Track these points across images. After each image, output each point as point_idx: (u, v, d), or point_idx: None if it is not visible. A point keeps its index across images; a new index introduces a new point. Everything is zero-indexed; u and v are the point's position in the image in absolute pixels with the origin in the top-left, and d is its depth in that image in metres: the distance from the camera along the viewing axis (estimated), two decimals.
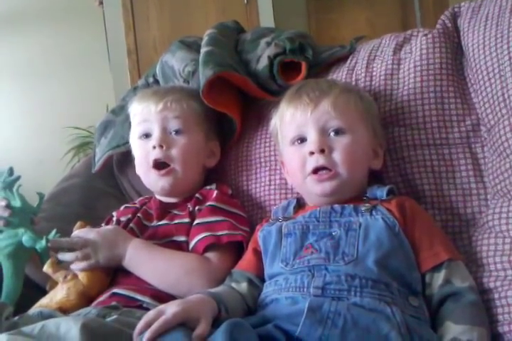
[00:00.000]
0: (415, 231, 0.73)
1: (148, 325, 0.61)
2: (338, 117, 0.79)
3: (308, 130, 0.80)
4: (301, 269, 0.71)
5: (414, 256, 0.71)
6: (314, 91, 0.82)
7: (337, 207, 0.77)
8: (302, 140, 0.81)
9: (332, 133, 0.79)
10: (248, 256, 0.82)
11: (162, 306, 0.65)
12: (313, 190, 0.80)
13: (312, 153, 0.78)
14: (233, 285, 0.78)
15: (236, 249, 0.86)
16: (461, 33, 0.94)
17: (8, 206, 0.81)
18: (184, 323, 0.62)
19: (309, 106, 0.80)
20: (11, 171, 0.82)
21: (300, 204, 0.87)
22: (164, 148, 0.92)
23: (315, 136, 0.79)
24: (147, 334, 0.59)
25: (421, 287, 0.70)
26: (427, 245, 0.72)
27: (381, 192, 0.79)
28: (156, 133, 0.93)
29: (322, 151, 0.78)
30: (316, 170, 0.78)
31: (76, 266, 0.82)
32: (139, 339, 0.60)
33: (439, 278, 0.70)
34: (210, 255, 0.83)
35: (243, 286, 0.78)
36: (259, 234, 0.82)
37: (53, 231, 0.80)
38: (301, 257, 0.72)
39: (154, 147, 0.92)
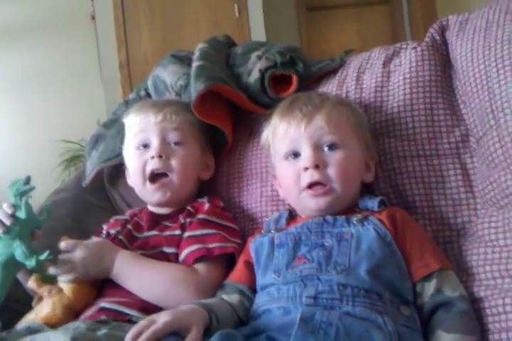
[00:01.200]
0: (406, 242, 0.74)
1: (139, 334, 0.61)
2: (331, 132, 0.80)
3: (302, 145, 0.80)
4: (293, 279, 0.70)
5: (405, 266, 0.71)
6: (307, 105, 0.83)
7: (329, 218, 0.78)
8: (296, 155, 0.81)
9: (326, 149, 0.80)
10: (240, 267, 0.82)
11: (154, 316, 0.65)
12: (308, 205, 0.80)
13: (307, 168, 0.79)
14: (224, 296, 0.78)
15: (227, 262, 0.86)
16: (450, 46, 0.95)
17: (13, 215, 0.80)
18: (175, 332, 0.62)
19: (302, 122, 0.81)
20: (27, 180, 0.81)
21: (292, 215, 0.87)
22: (163, 158, 0.92)
23: (309, 152, 0.79)
24: None
25: (412, 297, 0.70)
26: (418, 255, 0.73)
27: (372, 203, 0.80)
28: (155, 144, 0.94)
29: (317, 167, 0.78)
30: (310, 186, 0.79)
31: (64, 278, 0.81)
32: None
33: (430, 287, 0.70)
34: (199, 266, 0.83)
35: (234, 298, 0.77)
36: (251, 246, 0.82)
37: (46, 253, 0.78)
38: (294, 267, 0.72)
39: (153, 157, 0.92)
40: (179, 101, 1.05)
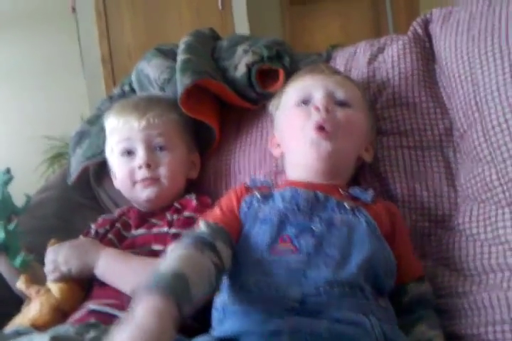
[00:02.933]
0: (401, 241, 0.74)
1: None
2: (347, 90, 0.82)
3: (315, 91, 0.82)
4: (276, 271, 0.65)
5: (394, 263, 0.71)
6: (330, 68, 0.89)
7: (320, 195, 0.73)
8: (306, 102, 0.82)
9: (338, 103, 0.81)
10: (218, 212, 0.74)
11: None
12: (309, 151, 0.77)
13: (317, 108, 0.78)
14: (202, 253, 0.62)
15: None
16: (433, 39, 0.96)
17: None
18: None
19: (323, 74, 0.85)
20: (7, 171, 0.84)
21: (278, 179, 0.86)
22: (152, 166, 0.91)
23: (321, 96, 0.80)
24: None
25: (390, 290, 0.70)
26: (412, 256, 0.75)
27: (365, 195, 0.77)
28: (140, 152, 0.92)
29: (327, 111, 0.78)
30: (319, 127, 0.77)
31: (49, 278, 0.81)
32: None
33: (422, 288, 0.73)
34: None
35: (217, 243, 0.65)
36: (240, 215, 0.74)
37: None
38: (278, 253, 0.67)
39: (140, 166, 0.91)
40: (162, 99, 1.02)
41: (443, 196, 0.84)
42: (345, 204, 0.72)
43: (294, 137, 0.81)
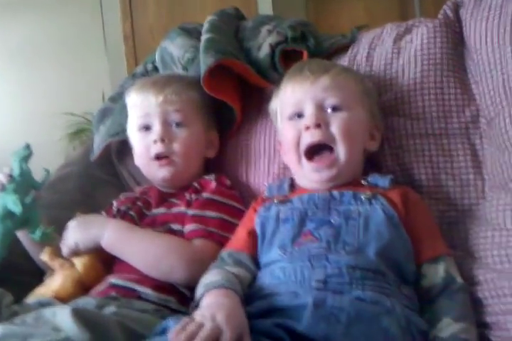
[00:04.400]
0: (416, 222, 0.74)
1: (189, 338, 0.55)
2: (336, 94, 0.80)
3: (306, 105, 0.80)
4: (300, 258, 0.70)
5: (411, 248, 0.72)
6: (315, 66, 0.83)
7: (336, 193, 0.76)
8: (300, 115, 0.81)
9: (329, 110, 0.79)
10: (241, 235, 0.80)
11: (213, 325, 0.57)
12: (310, 177, 0.80)
13: (308, 127, 0.78)
14: (228, 268, 0.74)
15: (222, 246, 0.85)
16: (463, 24, 0.93)
17: (11, 175, 0.84)
18: None
19: (309, 80, 0.81)
20: (26, 146, 0.86)
21: (294, 183, 0.86)
22: (166, 141, 0.92)
23: (311, 111, 0.79)
24: None
25: (413, 277, 0.71)
26: (427, 237, 0.73)
27: (383, 181, 0.79)
28: (156, 127, 0.93)
29: (318, 126, 0.77)
30: (310, 151, 0.78)
31: (63, 253, 0.84)
32: None
33: (439, 270, 0.71)
34: (196, 241, 0.84)
35: (238, 269, 0.75)
36: (256, 220, 0.80)
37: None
38: (300, 244, 0.71)
39: (155, 141, 0.92)
40: (182, 77, 1.03)
41: (469, 185, 0.83)
42: (362, 196, 0.75)
43: (291, 155, 0.81)
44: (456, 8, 0.96)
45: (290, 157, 0.83)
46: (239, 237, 0.81)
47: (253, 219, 0.81)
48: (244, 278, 0.73)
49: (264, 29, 1.05)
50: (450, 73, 0.89)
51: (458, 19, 0.95)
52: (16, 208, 0.81)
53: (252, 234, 0.79)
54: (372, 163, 0.88)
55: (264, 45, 1.02)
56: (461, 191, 0.83)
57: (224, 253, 0.79)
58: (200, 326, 0.56)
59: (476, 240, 0.77)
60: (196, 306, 0.66)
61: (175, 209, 0.91)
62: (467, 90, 0.89)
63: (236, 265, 0.75)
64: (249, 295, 0.70)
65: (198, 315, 0.60)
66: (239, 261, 0.76)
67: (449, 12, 0.96)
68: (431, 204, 0.83)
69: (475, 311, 0.69)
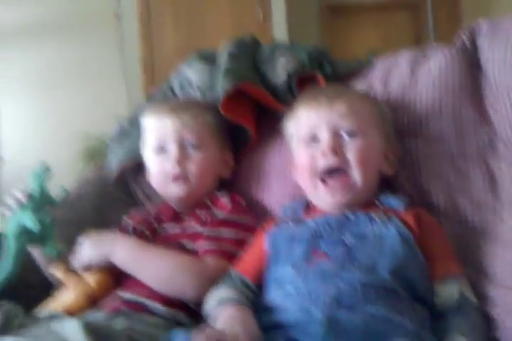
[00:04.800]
0: (430, 243, 0.74)
1: None
2: (351, 119, 0.80)
3: (321, 130, 0.80)
4: (312, 276, 0.69)
5: (426, 267, 0.71)
6: (330, 92, 0.84)
7: (350, 215, 0.77)
8: (314, 140, 0.81)
9: (345, 135, 0.80)
10: (248, 259, 0.81)
11: (232, 334, 0.60)
12: (326, 200, 0.80)
13: (324, 153, 0.78)
14: (238, 287, 0.77)
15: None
16: (480, 51, 0.94)
17: (28, 193, 0.86)
18: None
19: (324, 106, 0.81)
20: (44, 165, 0.89)
21: (309, 205, 0.86)
22: (182, 163, 0.94)
23: (327, 137, 0.79)
24: None
25: (427, 297, 0.70)
26: (441, 257, 0.73)
27: (397, 203, 0.79)
28: (173, 150, 0.95)
29: (334, 152, 0.78)
30: (326, 174, 0.78)
31: (75, 268, 0.85)
32: None
33: (453, 290, 0.70)
34: (208, 258, 0.84)
35: (246, 290, 0.76)
36: (266, 237, 0.80)
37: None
38: (313, 263, 0.71)
39: (172, 163, 0.94)
40: (198, 102, 1.06)
41: (487, 207, 0.83)
42: (376, 218, 0.75)
43: (306, 178, 0.82)
44: (473, 35, 0.97)
45: (304, 180, 0.83)
46: (246, 261, 0.81)
47: (261, 241, 0.81)
48: (251, 298, 0.75)
49: (281, 56, 1.07)
50: (467, 99, 0.90)
51: (474, 46, 0.96)
52: (34, 226, 0.82)
53: (257, 257, 0.80)
54: (388, 183, 0.88)
55: (280, 71, 1.04)
56: (478, 213, 0.83)
57: (233, 272, 0.80)
58: (221, 335, 0.58)
59: (492, 261, 0.76)
60: (206, 318, 0.68)
61: (187, 226, 0.91)
62: (484, 115, 0.89)
63: (243, 286, 0.77)
64: (259, 310, 0.70)
65: (218, 326, 0.62)
66: (245, 284, 0.78)
67: (465, 39, 0.97)
68: (447, 226, 0.83)
69: (486, 327, 0.69)
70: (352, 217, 0.77)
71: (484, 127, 0.88)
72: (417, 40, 3.22)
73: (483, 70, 0.93)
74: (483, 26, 0.95)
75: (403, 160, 0.89)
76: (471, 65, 0.94)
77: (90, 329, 0.61)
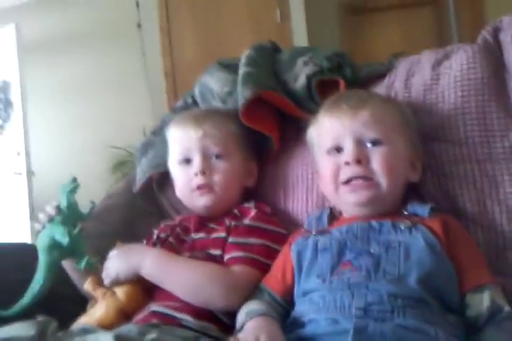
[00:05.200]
0: (459, 251, 0.72)
1: None
2: (376, 128, 0.79)
3: (345, 140, 0.80)
4: (340, 287, 0.69)
5: (455, 276, 0.70)
6: (353, 99, 0.83)
7: (375, 223, 0.76)
8: (338, 150, 0.81)
9: (369, 144, 0.79)
10: (276, 274, 0.81)
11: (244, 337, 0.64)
12: (348, 200, 0.79)
13: (348, 163, 0.78)
14: (268, 301, 0.77)
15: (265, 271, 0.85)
16: (503, 48, 0.92)
17: (58, 207, 0.88)
18: None
19: (347, 115, 0.80)
20: (73, 179, 0.90)
21: (334, 214, 0.85)
22: (207, 173, 0.94)
23: (352, 147, 0.78)
24: None
25: (459, 306, 0.69)
26: (471, 266, 0.71)
27: (423, 209, 0.78)
28: (197, 160, 0.95)
29: (358, 162, 0.77)
30: (349, 180, 0.78)
31: (105, 282, 0.86)
32: None
33: (485, 299, 0.68)
34: (236, 268, 0.83)
35: (276, 305, 0.77)
36: (292, 248, 0.80)
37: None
38: (340, 274, 0.71)
39: (196, 174, 0.94)
40: (221, 111, 1.06)
41: None
42: (401, 226, 0.74)
43: (329, 187, 0.81)
44: (496, 33, 0.95)
45: (328, 187, 0.83)
46: (274, 276, 0.81)
47: (289, 254, 0.81)
48: (279, 312, 0.75)
49: (300, 60, 1.07)
50: (492, 97, 0.88)
51: (498, 43, 0.94)
52: (64, 239, 0.84)
53: (285, 272, 0.80)
54: (414, 189, 0.86)
55: (300, 76, 1.04)
56: (507, 217, 0.81)
57: (262, 286, 0.80)
58: None
59: None
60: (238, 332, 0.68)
61: (214, 235, 0.91)
62: (510, 114, 0.87)
63: (272, 301, 0.78)
64: (288, 323, 0.71)
65: (242, 335, 0.63)
66: (275, 299, 0.78)
67: (488, 36, 0.95)
68: (476, 231, 0.81)
69: None
70: (376, 225, 0.76)
71: (510, 127, 0.86)
72: (440, 39, 3.16)
73: (507, 67, 0.91)
74: (506, 21, 0.94)
75: (428, 164, 0.87)
76: (495, 62, 0.92)
77: None
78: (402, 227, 0.74)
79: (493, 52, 0.93)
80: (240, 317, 0.73)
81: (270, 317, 0.70)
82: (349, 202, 0.79)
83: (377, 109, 0.81)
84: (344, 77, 1.01)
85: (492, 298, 0.68)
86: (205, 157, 0.95)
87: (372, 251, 0.72)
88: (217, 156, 0.96)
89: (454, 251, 0.72)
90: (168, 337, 0.70)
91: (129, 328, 0.74)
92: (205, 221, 0.96)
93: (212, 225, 0.94)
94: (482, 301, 0.68)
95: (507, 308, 0.68)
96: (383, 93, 0.99)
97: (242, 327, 0.69)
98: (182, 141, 0.98)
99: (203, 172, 0.94)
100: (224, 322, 0.80)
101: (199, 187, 0.94)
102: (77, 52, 3.21)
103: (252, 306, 0.75)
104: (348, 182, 0.78)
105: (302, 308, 0.72)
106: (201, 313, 0.79)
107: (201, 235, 0.93)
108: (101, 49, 3.20)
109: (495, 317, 0.67)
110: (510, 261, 0.78)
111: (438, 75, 0.95)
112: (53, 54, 3.25)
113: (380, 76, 1.05)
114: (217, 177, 0.94)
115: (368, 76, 1.05)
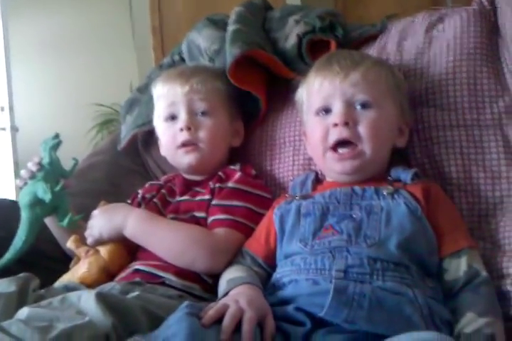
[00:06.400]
0: (438, 216, 0.73)
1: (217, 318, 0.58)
2: (366, 90, 0.78)
3: (334, 101, 0.78)
4: (321, 250, 0.70)
5: (435, 241, 0.71)
6: (346, 60, 0.81)
7: (358, 189, 0.76)
8: (327, 111, 0.80)
9: (358, 107, 0.78)
10: (259, 237, 0.81)
11: (236, 306, 0.60)
12: (333, 168, 0.79)
13: (336, 124, 0.77)
14: (249, 266, 0.78)
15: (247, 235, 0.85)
16: (499, 12, 0.91)
17: (40, 163, 0.87)
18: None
19: (338, 76, 0.79)
20: (56, 136, 0.89)
21: (318, 178, 0.86)
22: (192, 130, 0.93)
23: (340, 108, 0.77)
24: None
25: (437, 270, 0.70)
26: (449, 230, 0.72)
27: (406, 175, 0.78)
28: (182, 116, 0.94)
29: (346, 124, 0.76)
30: (337, 145, 0.77)
31: (87, 241, 0.86)
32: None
33: (461, 263, 0.69)
34: (219, 230, 0.84)
35: (257, 269, 0.78)
36: (275, 212, 0.81)
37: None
38: (321, 238, 0.71)
39: (181, 129, 0.93)
40: (208, 68, 1.04)
41: (501, 177, 0.81)
42: (384, 191, 0.74)
43: (317, 149, 0.81)
44: None
45: (315, 150, 0.82)
46: (257, 239, 0.81)
47: (272, 219, 0.81)
48: (262, 276, 0.76)
49: (292, 19, 1.04)
50: (483, 63, 0.87)
51: (493, 7, 0.92)
52: (46, 196, 0.83)
53: (268, 235, 0.80)
54: (400, 155, 0.86)
55: (291, 35, 1.01)
56: (492, 183, 0.81)
57: (245, 249, 0.81)
58: (225, 306, 0.59)
59: (506, 233, 0.76)
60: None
61: (199, 198, 0.91)
62: (501, 80, 0.86)
63: (254, 265, 0.78)
64: (269, 285, 0.72)
65: (222, 300, 0.63)
66: (257, 263, 0.79)
67: (483, 0, 0.93)
68: (460, 196, 0.82)
69: (502, 304, 0.68)
70: (359, 190, 0.76)
71: (500, 93, 0.85)
72: (435, 3, 3.10)
73: (500, 32, 0.89)
74: None
75: (416, 129, 0.87)
76: (489, 26, 0.91)
77: (104, 300, 0.62)
78: (385, 193, 0.74)
79: (488, 16, 0.91)
80: (222, 285, 0.74)
81: (252, 285, 0.70)
82: (334, 170, 0.79)
83: (369, 71, 0.79)
84: (335, 38, 0.99)
85: (469, 262, 0.69)
86: (191, 113, 0.94)
87: (354, 215, 0.72)
88: (203, 113, 0.94)
89: (434, 216, 0.72)
90: (150, 295, 0.71)
91: (111, 286, 0.75)
92: (190, 184, 0.96)
93: (197, 188, 0.94)
94: (459, 266, 0.69)
95: (484, 273, 0.69)
96: (375, 55, 0.97)
97: (224, 296, 0.68)
98: (168, 97, 0.96)
99: (188, 128, 0.92)
100: (207, 282, 0.81)
101: (184, 144, 0.93)
102: (62, 6, 3.09)
103: (234, 273, 0.75)
104: (335, 148, 0.78)
105: (283, 270, 0.73)
106: (185, 273, 0.80)
107: (186, 197, 0.93)
108: (86, 3, 3.08)
109: (472, 282, 0.68)
110: (492, 226, 0.79)
111: (431, 39, 0.93)
112: (37, 7, 3.12)
113: (372, 37, 1.03)
114: (202, 134, 0.93)
115: (360, 37, 1.03)
